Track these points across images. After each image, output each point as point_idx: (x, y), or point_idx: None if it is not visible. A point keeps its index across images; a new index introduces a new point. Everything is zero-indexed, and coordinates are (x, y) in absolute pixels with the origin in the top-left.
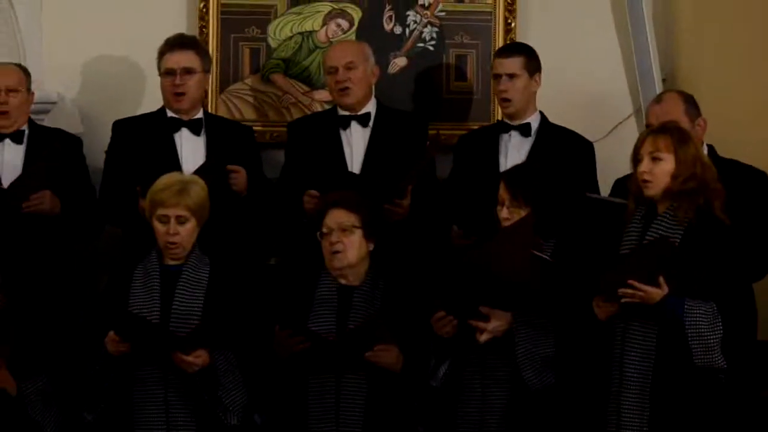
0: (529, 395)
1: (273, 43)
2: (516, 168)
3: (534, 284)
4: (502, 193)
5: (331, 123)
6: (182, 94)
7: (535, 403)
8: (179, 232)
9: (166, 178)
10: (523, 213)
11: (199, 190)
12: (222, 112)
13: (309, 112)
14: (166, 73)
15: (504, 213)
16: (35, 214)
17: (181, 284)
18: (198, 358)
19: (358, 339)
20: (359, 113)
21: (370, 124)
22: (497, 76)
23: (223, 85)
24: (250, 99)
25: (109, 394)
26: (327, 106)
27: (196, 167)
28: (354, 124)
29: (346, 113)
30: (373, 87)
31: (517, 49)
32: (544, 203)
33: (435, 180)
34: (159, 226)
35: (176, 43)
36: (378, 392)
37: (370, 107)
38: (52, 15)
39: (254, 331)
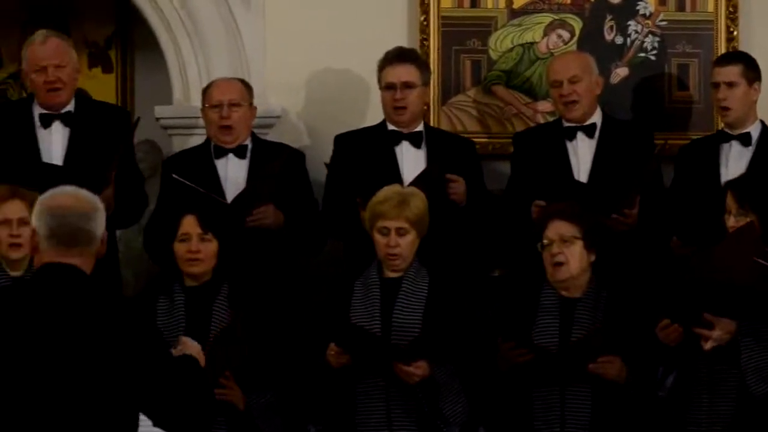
0: (756, 405)
1: (494, 55)
2: (743, 177)
3: (759, 292)
4: (729, 202)
5: (557, 134)
6: (403, 108)
7: (763, 412)
8: (399, 243)
9: (387, 191)
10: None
11: (419, 202)
12: (444, 125)
13: (532, 124)
14: (386, 87)
15: (731, 222)
16: (259, 228)
17: (401, 296)
18: (419, 368)
19: (581, 351)
20: (585, 124)
21: (596, 134)
22: (716, 85)
23: (445, 97)
24: (472, 111)
25: (332, 406)
26: (549, 117)
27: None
28: (580, 135)
29: (572, 124)
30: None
31: (736, 57)
32: None
33: (662, 189)
34: (379, 238)
35: (396, 56)
36: (603, 404)
37: (596, 118)
38: (276, 30)
39: (475, 343)
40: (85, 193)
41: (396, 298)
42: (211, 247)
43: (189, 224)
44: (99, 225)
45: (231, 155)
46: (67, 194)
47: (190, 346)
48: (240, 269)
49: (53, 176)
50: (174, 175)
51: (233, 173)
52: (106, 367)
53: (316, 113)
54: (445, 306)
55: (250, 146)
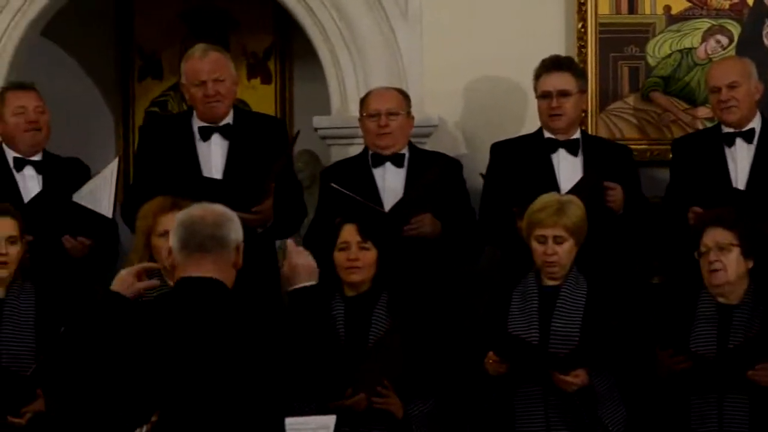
0: None
1: (652, 62)
2: None
3: None
4: None
5: (716, 140)
6: (559, 115)
7: None
8: (557, 251)
9: (544, 199)
10: None
11: (576, 209)
12: (602, 132)
13: (690, 130)
14: (542, 96)
15: None
16: (417, 237)
17: (559, 304)
18: (577, 378)
19: (739, 358)
20: (744, 129)
21: (755, 140)
22: None
23: (603, 104)
24: (630, 118)
25: (491, 414)
26: (708, 123)
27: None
28: (739, 141)
29: (731, 130)
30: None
31: None
32: None
33: None
34: (537, 246)
35: (552, 65)
36: (762, 412)
37: (755, 123)
38: (433, 40)
39: (633, 351)
40: (217, 207)
41: (554, 307)
42: (370, 255)
43: (349, 233)
44: (230, 232)
45: (389, 164)
46: (200, 207)
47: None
48: (399, 278)
49: (213, 190)
50: (333, 184)
51: (391, 182)
52: (246, 378)
53: (472, 122)
54: (603, 314)
55: (407, 155)
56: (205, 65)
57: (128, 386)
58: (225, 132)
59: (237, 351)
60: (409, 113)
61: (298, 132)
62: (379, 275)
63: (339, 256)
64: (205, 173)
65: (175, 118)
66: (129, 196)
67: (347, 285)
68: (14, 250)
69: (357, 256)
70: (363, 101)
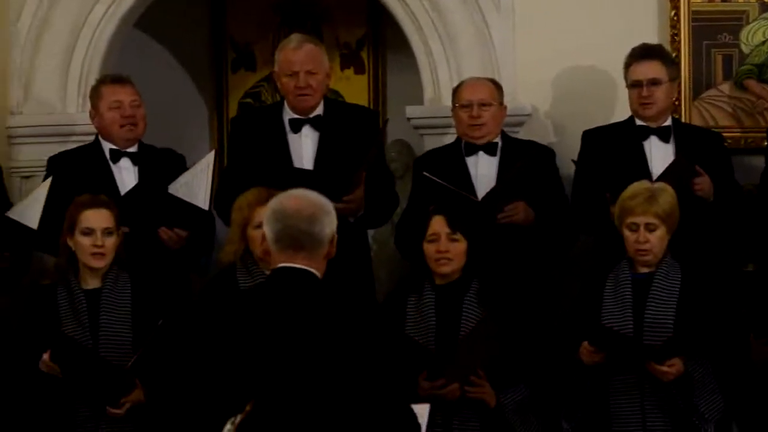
0: None
1: (745, 49)
2: None
3: None
4: None
5: None
6: (649, 104)
7: None
8: (649, 239)
9: (636, 186)
10: None
11: (668, 197)
12: (695, 120)
13: None
14: (632, 84)
15: None
16: (510, 225)
17: (653, 292)
18: (672, 367)
19: None
20: None
21: None
22: None
23: (696, 92)
24: (724, 106)
25: (586, 402)
26: None
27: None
28: None
29: None
30: None
31: None
32: None
33: None
34: (629, 234)
35: (642, 53)
36: None
37: None
38: (525, 29)
39: (728, 339)
40: (313, 197)
41: (648, 295)
42: (459, 246)
43: (438, 224)
44: (324, 227)
45: (481, 153)
46: (294, 198)
47: None
48: (490, 266)
49: (304, 181)
50: (425, 173)
51: (484, 171)
52: (334, 368)
53: (564, 111)
54: (698, 302)
55: (500, 144)
56: (299, 56)
57: (223, 376)
58: (315, 123)
59: (329, 342)
60: (501, 103)
61: (387, 121)
62: (469, 264)
63: (429, 248)
64: (296, 164)
65: (267, 110)
66: (221, 187)
67: (437, 274)
68: (110, 242)
69: (447, 248)
70: (455, 91)
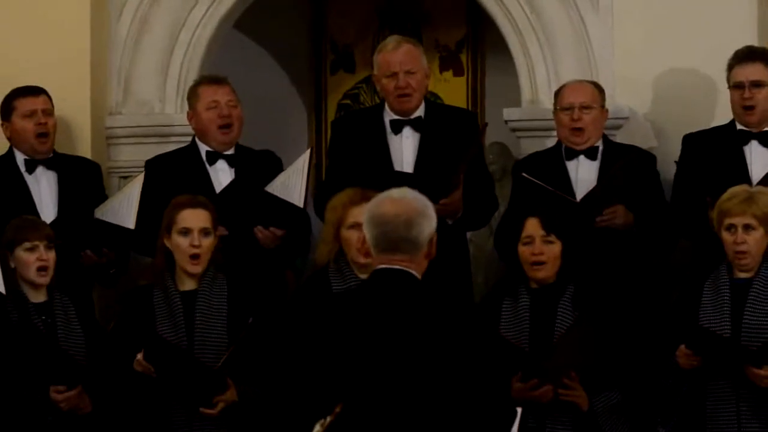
0: None
1: None
2: None
3: None
4: None
5: None
6: (751, 107)
7: None
8: (746, 240)
9: (734, 189)
10: None
11: (767, 199)
12: None
13: None
14: (734, 86)
15: None
16: (608, 228)
17: (751, 296)
18: None
19: None
20: None
21: None
22: None
23: None
24: None
25: (681, 407)
26: None
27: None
28: None
29: None
30: None
31: None
32: None
33: None
34: (727, 237)
35: (745, 55)
36: None
37: None
38: (623, 32)
39: None
40: (411, 199)
41: (746, 300)
42: (554, 249)
43: (532, 227)
44: (423, 231)
45: (582, 157)
46: (392, 202)
47: None
48: (586, 270)
49: (404, 184)
50: (523, 174)
51: (584, 175)
52: (432, 368)
53: (663, 114)
54: None
55: (601, 148)
56: (398, 57)
57: (313, 377)
58: (416, 125)
59: (423, 344)
60: (603, 106)
61: (486, 124)
62: (565, 268)
63: (523, 251)
64: (396, 166)
65: (367, 112)
66: (322, 189)
67: (532, 278)
68: (207, 242)
69: (541, 250)
70: (557, 94)
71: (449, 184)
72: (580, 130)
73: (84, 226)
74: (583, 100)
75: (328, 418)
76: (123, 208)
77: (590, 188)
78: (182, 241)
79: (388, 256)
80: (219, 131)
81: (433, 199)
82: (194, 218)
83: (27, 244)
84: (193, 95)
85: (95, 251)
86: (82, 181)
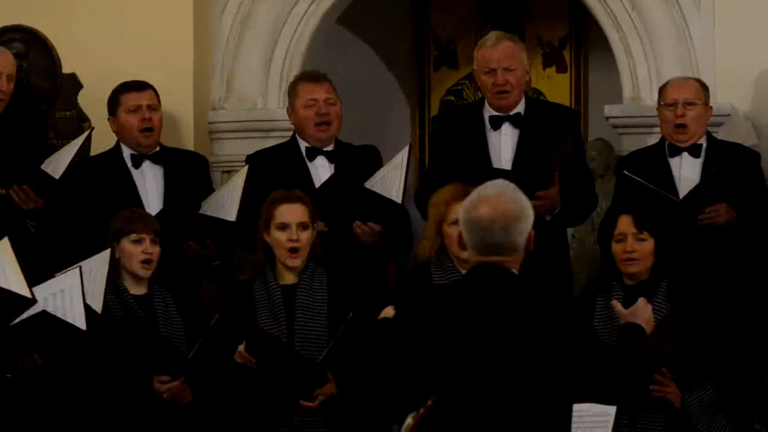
0: None
1: None
2: None
3: None
4: None
5: None
6: None
7: None
8: None
9: None
10: None
11: None
12: None
13: None
14: None
15: None
16: (709, 226)
17: None
18: None
19: None
20: None
21: None
22: None
23: None
24: None
25: None
26: None
27: None
28: None
29: None
30: None
31: None
32: None
33: None
34: None
35: None
36: None
37: None
38: (725, 29)
39: None
40: (507, 202)
41: None
42: (647, 246)
43: (624, 224)
44: (520, 234)
45: (685, 154)
46: (487, 205)
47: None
48: (681, 266)
49: None
50: (625, 171)
51: (687, 172)
52: (527, 364)
53: (765, 111)
54: None
55: (704, 145)
56: (497, 53)
57: (409, 369)
58: (515, 121)
59: (520, 340)
60: (707, 104)
61: (578, 123)
62: (658, 264)
63: (616, 248)
64: (495, 163)
65: (467, 108)
66: (423, 185)
67: (626, 274)
68: (305, 236)
69: (633, 248)
70: (661, 90)
71: (546, 180)
72: (683, 126)
73: (188, 220)
74: (687, 97)
75: (421, 410)
76: (226, 201)
77: (693, 186)
78: (281, 236)
79: (487, 258)
80: (316, 129)
81: (530, 194)
82: (292, 213)
83: (134, 236)
84: (292, 92)
85: (198, 243)
86: (189, 175)
